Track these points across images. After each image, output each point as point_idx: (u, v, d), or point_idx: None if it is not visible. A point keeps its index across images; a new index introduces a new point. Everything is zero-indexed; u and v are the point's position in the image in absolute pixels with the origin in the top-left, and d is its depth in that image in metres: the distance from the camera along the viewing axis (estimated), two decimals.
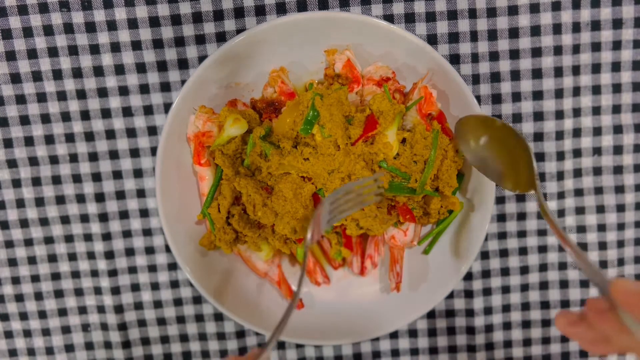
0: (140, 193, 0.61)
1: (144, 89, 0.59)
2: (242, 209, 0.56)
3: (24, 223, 0.61)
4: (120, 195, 0.61)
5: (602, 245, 0.62)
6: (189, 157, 0.57)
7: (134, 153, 0.60)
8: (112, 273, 0.62)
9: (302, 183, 0.54)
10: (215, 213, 0.56)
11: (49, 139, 0.59)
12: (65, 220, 0.61)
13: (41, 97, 0.59)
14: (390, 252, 0.60)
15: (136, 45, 0.58)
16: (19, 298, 0.62)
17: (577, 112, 0.60)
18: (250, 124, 0.56)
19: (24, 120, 0.59)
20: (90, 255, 0.62)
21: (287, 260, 0.62)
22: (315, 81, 0.58)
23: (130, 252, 0.62)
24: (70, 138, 0.59)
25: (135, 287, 0.62)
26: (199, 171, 0.57)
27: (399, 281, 0.59)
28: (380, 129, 0.54)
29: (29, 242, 0.61)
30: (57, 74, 0.58)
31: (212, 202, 0.57)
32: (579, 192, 0.61)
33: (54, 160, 0.60)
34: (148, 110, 0.59)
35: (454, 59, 0.58)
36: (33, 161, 0.60)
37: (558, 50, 0.58)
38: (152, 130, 0.60)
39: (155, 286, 0.62)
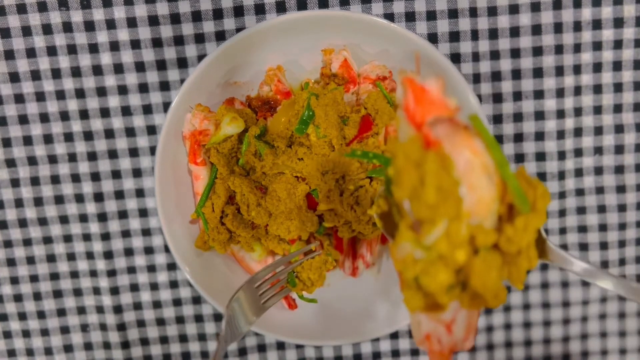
0: (140, 193, 0.60)
1: (143, 88, 0.58)
2: (236, 208, 0.56)
3: (22, 223, 0.61)
4: (119, 195, 0.60)
5: (604, 245, 0.62)
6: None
7: (133, 152, 0.60)
8: (111, 273, 0.62)
9: (296, 183, 0.54)
10: (209, 212, 0.56)
11: (48, 139, 0.59)
12: (64, 220, 0.61)
13: (40, 97, 0.58)
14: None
15: (135, 44, 0.57)
16: (18, 298, 0.62)
17: (578, 112, 0.60)
18: (247, 122, 0.55)
19: (23, 120, 0.59)
20: (89, 255, 0.61)
21: None
22: (312, 80, 0.58)
23: (129, 252, 0.62)
24: (69, 137, 0.59)
25: (134, 288, 0.62)
26: (194, 170, 0.56)
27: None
28: (376, 129, 0.53)
29: (27, 242, 0.61)
30: (56, 73, 0.58)
31: (207, 201, 0.56)
32: (580, 192, 0.61)
33: (52, 159, 0.60)
34: (147, 109, 0.59)
35: (455, 58, 0.58)
36: (32, 161, 0.60)
37: (559, 50, 0.58)
38: (152, 130, 0.59)
39: (154, 286, 0.62)
